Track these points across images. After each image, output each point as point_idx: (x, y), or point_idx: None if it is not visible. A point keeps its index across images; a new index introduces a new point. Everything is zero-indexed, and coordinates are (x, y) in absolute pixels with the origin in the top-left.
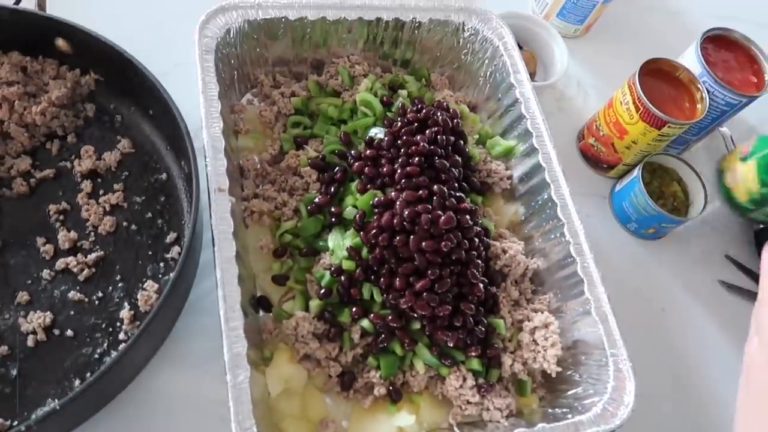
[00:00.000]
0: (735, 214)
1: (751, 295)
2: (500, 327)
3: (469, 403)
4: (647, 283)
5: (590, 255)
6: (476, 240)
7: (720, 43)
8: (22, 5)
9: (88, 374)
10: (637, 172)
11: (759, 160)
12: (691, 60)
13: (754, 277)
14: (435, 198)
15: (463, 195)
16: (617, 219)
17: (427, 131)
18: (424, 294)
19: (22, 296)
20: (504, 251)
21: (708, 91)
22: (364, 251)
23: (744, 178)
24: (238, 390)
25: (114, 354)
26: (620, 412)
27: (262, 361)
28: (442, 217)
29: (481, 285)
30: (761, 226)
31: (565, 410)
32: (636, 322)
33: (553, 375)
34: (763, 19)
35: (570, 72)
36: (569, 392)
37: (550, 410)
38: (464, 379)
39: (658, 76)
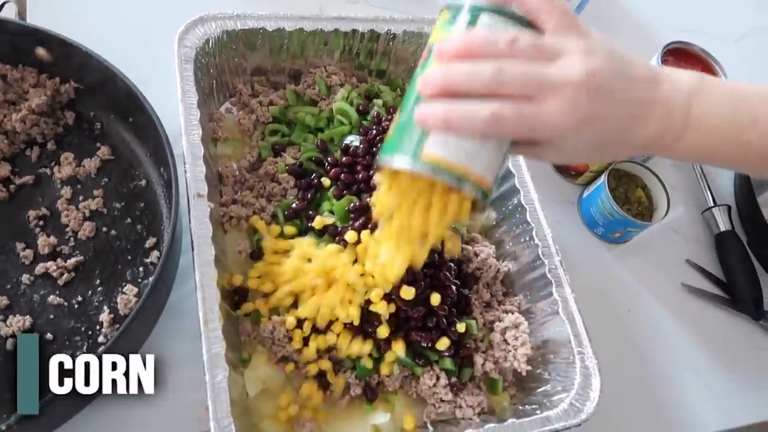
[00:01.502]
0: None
1: (713, 298)
2: (472, 327)
3: (442, 401)
4: (614, 285)
5: (558, 258)
6: None
7: (680, 56)
8: (3, 14)
9: None
10: (603, 178)
11: None
12: None
13: (715, 280)
14: None
15: None
16: (585, 224)
17: None
18: None
19: (1, 300)
20: (476, 255)
21: None
22: None
23: None
24: (217, 389)
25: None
26: (586, 407)
27: (241, 363)
28: None
29: (454, 287)
30: (722, 230)
31: (534, 407)
32: (603, 323)
33: (524, 373)
34: (721, 32)
35: None
36: (539, 390)
37: (520, 407)
38: (437, 378)
39: None
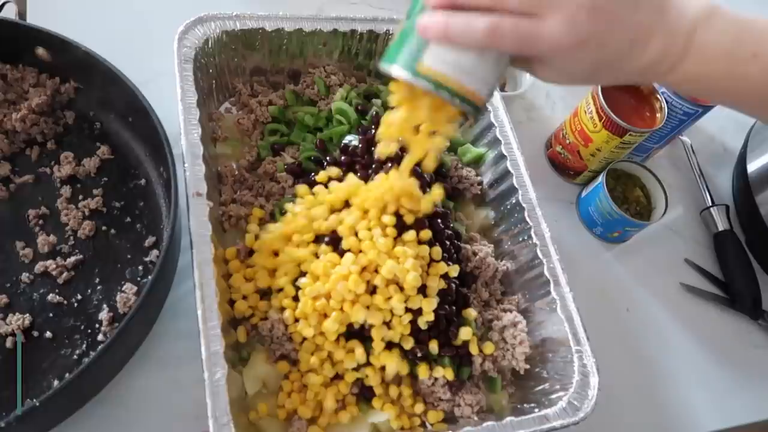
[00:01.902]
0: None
1: (711, 298)
2: (471, 327)
3: (441, 400)
4: (612, 285)
5: (556, 256)
6: (447, 243)
7: None
8: (3, 14)
9: (67, 375)
10: (601, 178)
11: None
12: None
13: (714, 280)
14: None
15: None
16: (584, 223)
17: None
18: None
19: (1, 299)
20: (474, 254)
21: (667, 102)
22: None
23: None
24: (216, 387)
25: (92, 355)
26: (584, 406)
27: (239, 361)
28: None
29: (453, 286)
30: (720, 230)
31: (533, 405)
32: (601, 322)
33: (522, 372)
34: None
35: (538, 83)
36: (537, 388)
37: (519, 406)
38: (436, 377)
39: (620, 87)
